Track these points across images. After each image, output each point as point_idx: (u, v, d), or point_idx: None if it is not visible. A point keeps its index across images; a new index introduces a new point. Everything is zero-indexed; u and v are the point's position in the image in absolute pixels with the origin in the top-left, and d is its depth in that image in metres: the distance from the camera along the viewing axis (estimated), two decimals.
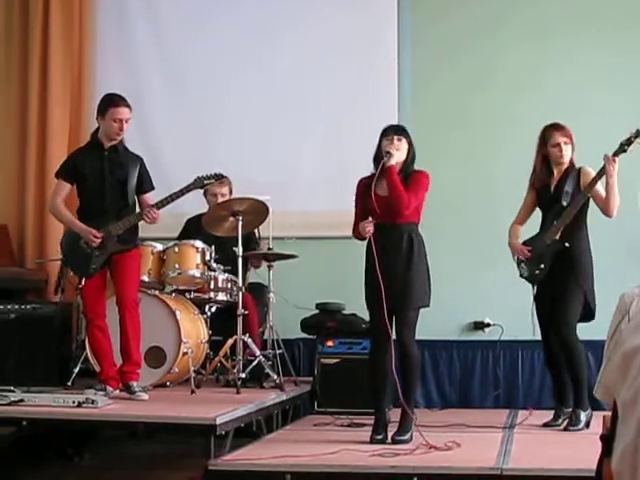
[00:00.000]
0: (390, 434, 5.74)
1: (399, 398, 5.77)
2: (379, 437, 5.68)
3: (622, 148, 6.16)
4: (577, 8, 8.09)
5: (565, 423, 6.27)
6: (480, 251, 7.88)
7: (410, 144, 5.86)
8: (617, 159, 6.13)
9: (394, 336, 5.77)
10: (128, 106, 6.29)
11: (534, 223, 6.59)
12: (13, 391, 5.89)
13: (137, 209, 6.40)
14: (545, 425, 6.40)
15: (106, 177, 6.29)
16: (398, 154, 5.76)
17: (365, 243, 5.83)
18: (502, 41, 8.21)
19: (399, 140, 5.81)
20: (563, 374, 6.47)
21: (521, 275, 6.54)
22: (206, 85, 8.64)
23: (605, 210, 6.26)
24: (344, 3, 8.48)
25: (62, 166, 6.54)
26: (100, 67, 8.84)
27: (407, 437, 5.68)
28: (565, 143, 6.33)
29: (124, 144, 6.42)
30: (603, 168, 6.15)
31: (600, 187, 6.25)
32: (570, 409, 6.41)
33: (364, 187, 5.83)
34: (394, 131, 5.87)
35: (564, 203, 6.27)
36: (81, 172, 6.33)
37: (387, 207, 5.72)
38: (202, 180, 6.46)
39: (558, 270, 6.29)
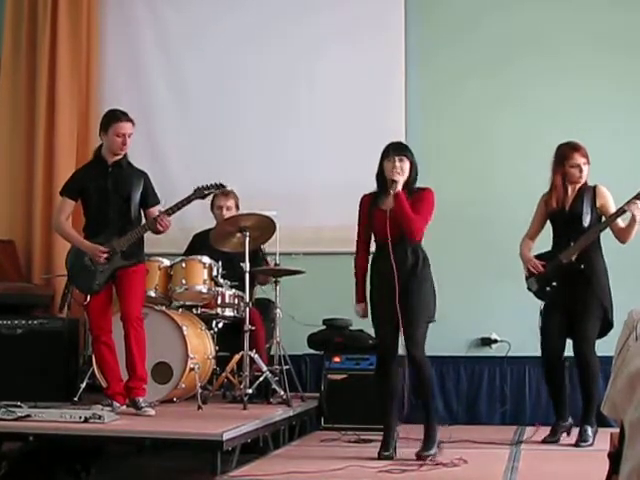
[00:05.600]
0: (399, 450, 5.75)
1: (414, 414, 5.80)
2: (387, 453, 5.67)
3: None
4: (592, 25, 8.11)
5: (575, 439, 6.28)
6: (487, 267, 7.88)
7: (412, 161, 5.84)
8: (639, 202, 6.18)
9: (401, 352, 5.78)
10: (130, 121, 6.30)
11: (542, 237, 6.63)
12: (20, 406, 5.89)
13: (142, 223, 6.39)
14: (544, 441, 6.42)
15: (110, 193, 6.29)
16: (402, 178, 5.76)
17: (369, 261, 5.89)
18: (512, 61, 8.22)
19: (401, 161, 5.78)
20: (563, 390, 6.49)
21: (529, 289, 6.55)
22: (214, 97, 8.68)
23: (621, 239, 6.36)
24: (353, 24, 8.50)
25: (66, 184, 6.55)
26: (107, 82, 8.88)
27: (433, 452, 5.65)
28: (584, 164, 6.37)
29: (128, 159, 6.42)
30: (622, 207, 6.22)
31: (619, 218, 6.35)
32: (567, 423, 6.47)
33: (367, 204, 5.84)
34: (394, 151, 5.83)
35: (585, 224, 6.32)
36: (85, 189, 6.34)
37: (392, 224, 5.73)
38: (202, 190, 6.44)
39: (574, 288, 6.32)
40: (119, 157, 6.35)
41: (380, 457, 5.63)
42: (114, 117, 6.31)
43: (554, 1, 8.24)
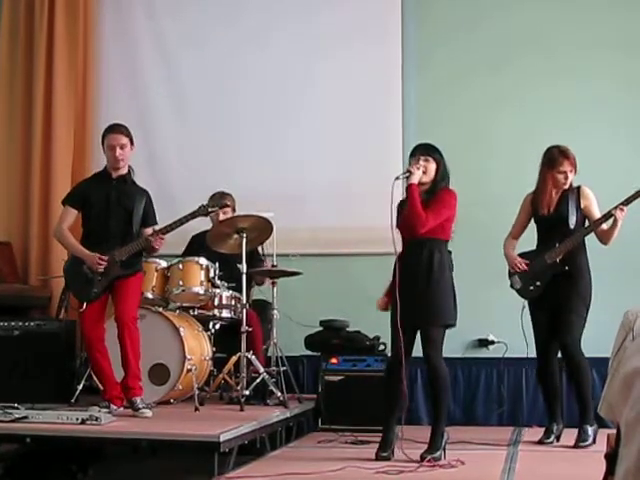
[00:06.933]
0: (397, 451, 5.74)
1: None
2: (384, 454, 5.66)
3: (631, 199, 6.26)
4: (592, 25, 8.12)
5: (574, 440, 6.26)
6: (485, 268, 7.85)
7: (439, 162, 5.85)
8: (626, 208, 6.24)
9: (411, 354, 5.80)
10: (122, 132, 6.31)
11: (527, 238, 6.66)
12: (17, 408, 5.90)
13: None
14: (539, 442, 6.43)
15: (112, 205, 6.31)
16: (419, 173, 5.75)
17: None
18: (511, 61, 8.23)
19: (425, 160, 5.80)
20: (555, 391, 6.51)
21: (512, 286, 6.61)
22: (213, 97, 8.67)
23: (603, 241, 6.42)
24: (352, 25, 8.50)
25: (69, 194, 6.62)
26: (105, 88, 8.87)
27: (437, 455, 5.62)
28: (570, 171, 6.40)
29: (132, 177, 6.45)
30: (610, 212, 6.26)
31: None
32: (561, 425, 6.50)
33: (400, 207, 5.86)
34: (420, 151, 5.87)
35: (571, 226, 6.36)
36: (88, 199, 6.36)
37: (407, 223, 5.75)
38: (206, 208, 6.46)
39: (559, 288, 6.36)
40: (123, 172, 6.37)
41: (378, 458, 5.62)
42: (106, 130, 6.40)
43: (554, 1, 8.25)
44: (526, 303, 6.57)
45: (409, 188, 5.75)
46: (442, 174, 5.86)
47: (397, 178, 5.74)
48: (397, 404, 5.82)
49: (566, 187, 6.44)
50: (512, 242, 6.66)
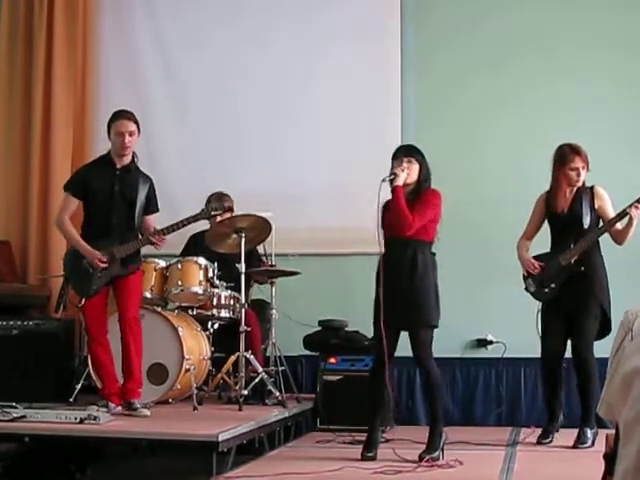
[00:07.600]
0: (397, 451, 5.74)
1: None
2: (370, 454, 5.67)
3: None
4: (592, 25, 8.12)
5: (573, 441, 6.25)
6: (483, 268, 7.87)
7: (421, 163, 5.85)
8: None
9: (396, 354, 5.78)
10: (130, 119, 6.24)
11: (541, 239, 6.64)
12: (15, 407, 5.89)
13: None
14: (537, 442, 6.42)
15: (115, 197, 6.24)
16: (404, 175, 5.75)
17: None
18: (511, 61, 8.22)
19: (409, 162, 5.80)
20: (557, 391, 6.49)
21: (527, 289, 6.54)
22: (213, 97, 8.67)
23: (618, 241, 6.39)
24: (352, 25, 8.49)
25: (71, 180, 6.51)
26: (104, 88, 8.85)
27: (435, 455, 5.62)
28: (583, 168, 6.36)
29: (136, 164, 6.38)
30: (625, 210, 6.23)
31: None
32: (558, 423, 6.47)
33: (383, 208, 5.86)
34: (403, 152, 5.88)
35: (585, 226, 6.33)
36: (90, 188, 6.27)
37: (390, 223, 5.74)
38: (209, 212, 6.46)
39: (574, 289, 6.32)
40: (128, 161, 6.31)
41: (363, 458, 5.63)
42: (113, 116, 6.29)
43: (554, 1, 8.24)
44: (540, 305, 6.52)
45: (394, 191, 5.73)
46: (425, 175, 5.87)
47: (384, 180, 5.73)
48: (382, 405, 5.86)
49: (579, 184, 6.40)
50: (525, 243, 6.62)
